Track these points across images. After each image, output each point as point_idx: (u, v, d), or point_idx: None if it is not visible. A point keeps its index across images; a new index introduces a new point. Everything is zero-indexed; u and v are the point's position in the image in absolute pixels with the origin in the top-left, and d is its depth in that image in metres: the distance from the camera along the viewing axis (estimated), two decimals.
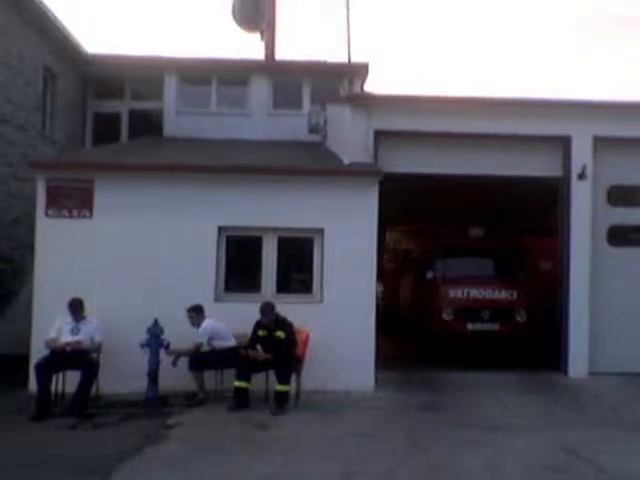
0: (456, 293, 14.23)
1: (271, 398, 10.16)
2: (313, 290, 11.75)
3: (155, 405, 10.29)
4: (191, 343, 10.50)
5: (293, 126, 15.84)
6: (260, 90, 16.99)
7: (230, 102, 17.12)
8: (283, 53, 18.52)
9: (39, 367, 9.89)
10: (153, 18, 51.76)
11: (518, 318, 14.08)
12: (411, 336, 16.50)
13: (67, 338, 10.13)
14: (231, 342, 10.72)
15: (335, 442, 8.51)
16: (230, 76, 17.13)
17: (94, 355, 10.27)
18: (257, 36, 18.84)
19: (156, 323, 10.59)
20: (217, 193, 11.56)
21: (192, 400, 10.51)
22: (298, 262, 12.14)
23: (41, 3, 14.51)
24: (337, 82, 16.91)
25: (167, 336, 10.55)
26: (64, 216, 11.31)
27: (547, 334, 13.40)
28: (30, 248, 11.87)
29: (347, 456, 7.94)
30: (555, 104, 12.94)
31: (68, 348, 10.01)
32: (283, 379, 10.08)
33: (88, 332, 10.26)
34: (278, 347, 10.19)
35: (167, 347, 10.53)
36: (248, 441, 8.55)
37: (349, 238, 11.55)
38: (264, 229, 11.66)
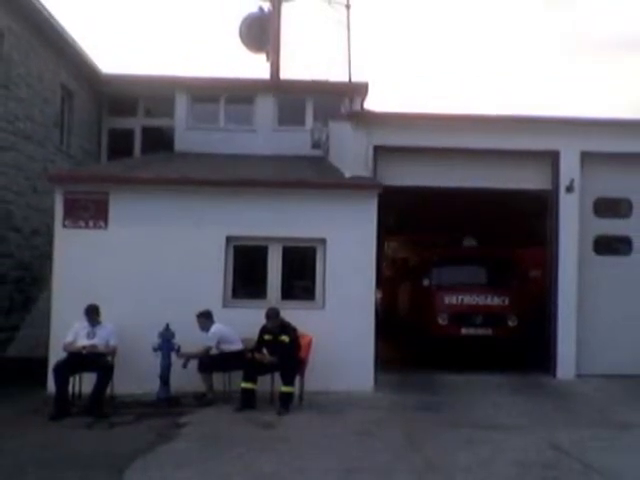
0: (451, 299, 14.24)
1: (276, 399, 10.17)
2: (316, 296, 11.78)
3: (167, 405, 10.31)
4: (201, 347, 10.54)
5: (297, 142, 15.91)
6: (266, 108, 17.07)
7: (237, 119, 17.21)
8: (287, 73, 18.62)
9: (57, 369, 9.92)
10: (165, 40, 51.98)
11: (509, 323, 14.07)
12: (408, 340, 16.50)
13: (83, 342, 10.16)
14: (238, 346, 10.74)
15: (336, 440, 8.54)
16: (237, 94, 17.22)
17: (109, 358, 10.29)
18: (263, 57, 18.97)
19: (167, 328, 10.62)
20: (225, 205, 11.62)
21: (201, 400, 10.53)
22: (302, 270, 12.14)
23: (59, 26, 14.63)
24: (338, 100, 17.00)
25: (178, 340, 10.58)
26: (80, 227, 11.34)
27: (537, 338, 13.40)
28: (48, 257, 11.94)
29: (348, 453, 7.96)
30: (544, 121, 13.00)
31: (84, 351, 10.05)
32: (287, 381, 10.10)
33: (103, 336, 10.28)
34: (283, 350, 10.22)
35: (178, 350, 10.56)
36: (254, 439, 8.57)
37: (350, 247, 11.58)
38: (269, 239, 11.69)
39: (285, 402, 9.99)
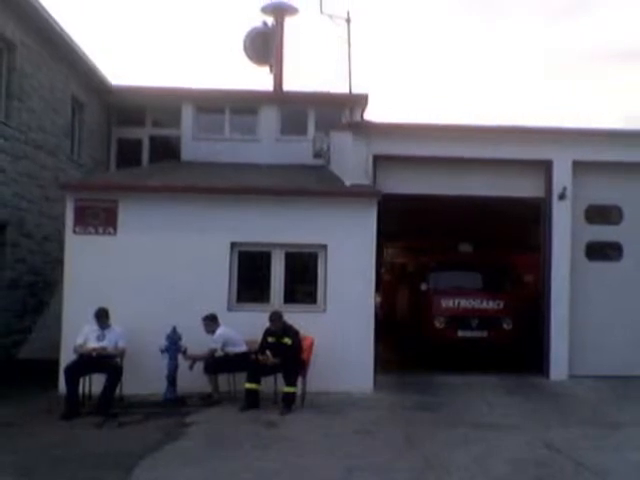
0: (447, 303, 14.26)
1: (279, 399, 10.22)
2: (317, 300, 11.80)
3: (173, 405, 10.34)
4: (206, 349, 10.57)
5: (299, 151, 15.95)
6: (269, 118, 17.13)
7: (242, 129, 17.28)
8: (290, 85, 18.64)
9: (68, 370, 9.96)
10: (172, 53, 52.12)
11: (504, 326, 14.09)
12: (407, 342, 16.53)
13: (93, 344, 10.19)
14: (243, 348, 10.78)
15: (337, 439, 8.57)
16: (242, 105, 17.28)
17: (118, 360, 10.31)
18: (266, 69, 18.99)
19: (174, 330, 10.67)
20: (230, 212, 11.64)
21: (207, 401, 10.57)
22: (304, 275, 12.16)
23: (70, 39, 14.68)
24: (339, 111, 17.05)
25: (184, 342, 10.63)
26: (90, 233, 11.37)
27: (531, 340, 13.44)
28: (59, 262, 11.97)
29: (348, 451, 8.00)
30: (538, 131, 13.05)
31: (94, 353, 10.08)
32: (290, 381, 10.14)
33: (112, 339, 10.30)
34: (286, 352, 10.26)
35: (184, 352, 10.60)
36: (258, 438, 8.61)
37: (350, 253, 11.61)
38: (273, 245, 11.72)
39: (288, 402, 10.03)
